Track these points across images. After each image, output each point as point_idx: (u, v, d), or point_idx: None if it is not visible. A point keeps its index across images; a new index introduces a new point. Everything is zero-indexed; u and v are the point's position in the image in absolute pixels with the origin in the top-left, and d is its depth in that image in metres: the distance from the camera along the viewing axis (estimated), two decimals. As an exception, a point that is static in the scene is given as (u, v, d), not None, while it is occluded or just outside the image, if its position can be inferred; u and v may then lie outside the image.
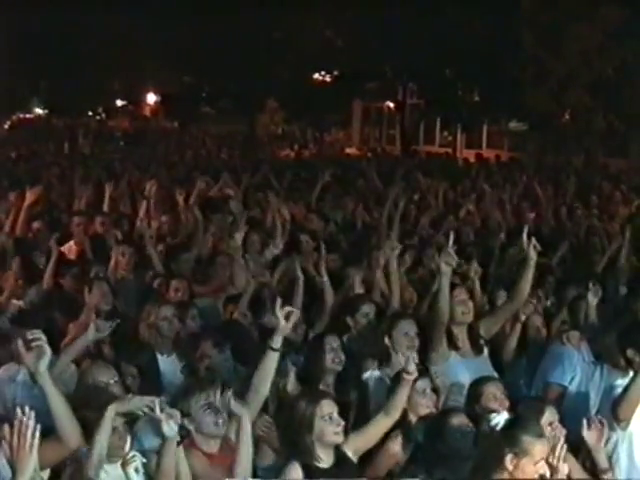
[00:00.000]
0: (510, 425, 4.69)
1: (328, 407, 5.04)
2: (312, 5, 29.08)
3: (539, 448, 4.57)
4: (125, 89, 41.69)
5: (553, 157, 25.88)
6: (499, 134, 36.37)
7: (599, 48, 23.56)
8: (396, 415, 5.25)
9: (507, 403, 5.61)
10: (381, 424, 5.25)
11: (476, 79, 28.48)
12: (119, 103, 46.33)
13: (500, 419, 4.78)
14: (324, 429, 4.98)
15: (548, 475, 4.73)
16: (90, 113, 45.50)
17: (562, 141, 26.12)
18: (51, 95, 42.05)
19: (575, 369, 6.33)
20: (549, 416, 5.21)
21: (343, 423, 5.06)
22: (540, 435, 4.62)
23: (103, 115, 46.88)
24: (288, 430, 5.11)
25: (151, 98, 44.43)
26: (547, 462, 4.72)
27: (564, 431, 5.15)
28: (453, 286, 6.71)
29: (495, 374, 6.40)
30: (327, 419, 4.99)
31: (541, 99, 24.10)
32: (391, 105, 36.89)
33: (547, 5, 23.71)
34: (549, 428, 5.09)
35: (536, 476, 4.60)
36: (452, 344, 6.47)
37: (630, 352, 5.70)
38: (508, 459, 4.51)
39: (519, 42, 24.18)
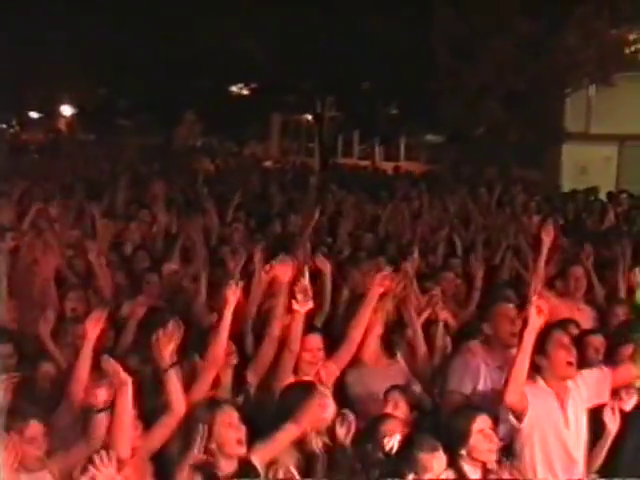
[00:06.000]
0: (405, 446, 4.73)
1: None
2: (231, 17, 28.97)
3: (437, 462, 4.61)
4: (40, 101, 40.93)
5: (468, 169, 26.21)
6: (416, 146, 36.82)
7: (513, 61, 23.89)
8: (304, 424, 5.20)
9: (407, 410, 5.64)
10: (289, 433, 5.16)
11: (393, 92, 28.72)
12: (34, 115, 45.52)
13: (394, 441, 4.82)
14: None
15: None
16: (4, 126, 44.61)
17: (477, 153, 26.44)
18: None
19: (477, 377, 6.39)
20: (480, 423, 5.20)
21: (244, 429, 4.98)
22: (435, 449, 4.65)
23: (17, 127, 46.02)
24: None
25: (67, 110, 43.77)
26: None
27: (496, 439, 5.17)
28: None
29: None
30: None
31: (456, 112, 24.37)
32: (310, 118, 36.98)
33: (461, 18, 24.00)
34: (480, 436, 5.10)
35: None
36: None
37: (538, 358, 5.76)
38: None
39: (435, 55, 24.42)
